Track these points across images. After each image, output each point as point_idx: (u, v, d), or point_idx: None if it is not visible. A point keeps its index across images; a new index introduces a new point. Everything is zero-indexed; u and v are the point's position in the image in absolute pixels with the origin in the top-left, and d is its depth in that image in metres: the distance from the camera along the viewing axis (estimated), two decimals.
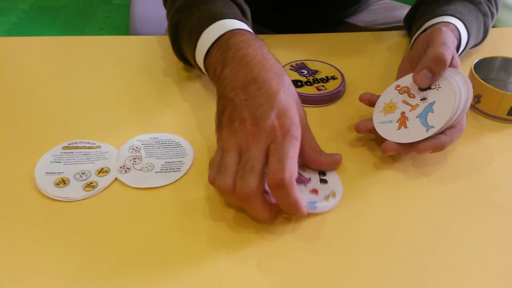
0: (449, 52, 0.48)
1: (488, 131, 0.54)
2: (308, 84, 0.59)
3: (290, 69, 0.61)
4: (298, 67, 0.62)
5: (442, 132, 0.46)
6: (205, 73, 0.52)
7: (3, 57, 0.66)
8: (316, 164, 0.45)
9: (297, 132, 0.40)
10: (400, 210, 0.44)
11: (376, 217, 0.43)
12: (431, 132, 0.45)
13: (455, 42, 0.52)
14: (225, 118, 0.42)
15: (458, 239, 0.41)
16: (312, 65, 0.62)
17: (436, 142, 0.45)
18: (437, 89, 0.48)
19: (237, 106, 0.41)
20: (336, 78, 0.60)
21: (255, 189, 0.38)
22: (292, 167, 0.38)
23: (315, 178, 0.45)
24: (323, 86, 0.58)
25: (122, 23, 2.28)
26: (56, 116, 0.54)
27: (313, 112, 0.56)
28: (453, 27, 0.55)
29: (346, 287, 0.37)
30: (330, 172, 0.46)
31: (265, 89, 0.41)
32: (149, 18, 1.37)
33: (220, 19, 0.50)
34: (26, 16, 2.36)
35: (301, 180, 0.45)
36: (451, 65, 0.49)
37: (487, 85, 0.54)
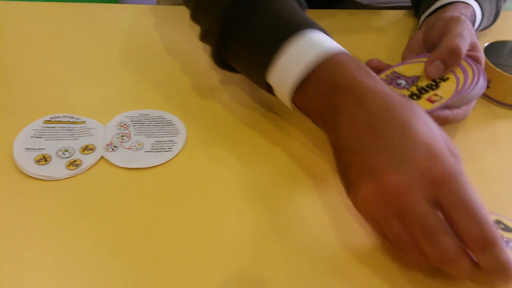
0: (465, 44, 0.45)
1: (497, 118, 0.51)
2: None
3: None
4: None
5: (447, 107, 0.43)
6: (289, 103, 0.40)
7: None
8: None
9: (459, 169, 0.30)
10: None
11: None
12: (437, 103, 0.42)
13: (473, 33, 0.48)
14: (354, 175, 0.33)
15: None
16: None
17: (438, 114, 0.42)
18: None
19: (366, 156, 0.32)
20: None
21: (454, 248, 0.29)
22: (488, 218, 0.29)
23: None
24: None
25: None
26: (38, 88, 0.50)
27: None
28: (471, 11, 0.52)
29: None
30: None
31: (397, 125, 0.32)
32: None
33: (304, 29, 0.38)
34: None
35: None
36: (473, 58, 0.46)
37: (498, 70, 0.51)
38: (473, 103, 0.46)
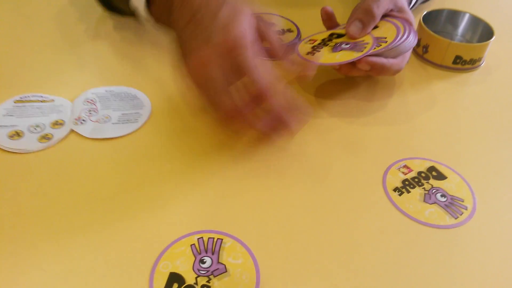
0: (378, 5, 0.50)
1: (434, 79, 0.57)
2: None
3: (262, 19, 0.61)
4: None
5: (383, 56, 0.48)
6: (145, 16, 0.51)
7: None
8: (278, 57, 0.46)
9: (243, 41, 0.40)
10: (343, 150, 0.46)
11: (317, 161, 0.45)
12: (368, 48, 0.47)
13: (399, 3, 0.52)
14: (184, 53, 0.42)
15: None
16: (269, 19, 0.63)
17: (376, 60, 0.47)
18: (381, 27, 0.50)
19: (188, 40, 0.42)
20: (292, 31, 0.61)
21: (232, 106, 0.40)
22: (263, 74, 0.40)
23: None
24: (280, 38, 0.59)
25: None
26: (5, 70, 0.53)
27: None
28: None
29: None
30: None
31: (208, 12, 0.41)
32: None
33: None
34: None
35: None
36: (404, 19, 0.51)
37: (434, 35, 0.56)
38: (407, 56, 0.50)
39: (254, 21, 0.43)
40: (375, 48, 0.46)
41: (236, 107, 0.40)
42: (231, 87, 0.41)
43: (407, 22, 0.49)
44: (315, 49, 0.50)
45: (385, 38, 0.48)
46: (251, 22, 0.42)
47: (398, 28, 0.48)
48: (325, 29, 0.55)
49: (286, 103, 0.41)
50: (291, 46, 0.58)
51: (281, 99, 0.41)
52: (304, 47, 0.51)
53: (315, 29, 0.63)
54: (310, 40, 0.52)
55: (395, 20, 0.50)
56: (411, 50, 0.51)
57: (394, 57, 0.48)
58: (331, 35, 0.52)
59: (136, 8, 0.51)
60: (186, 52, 0.42)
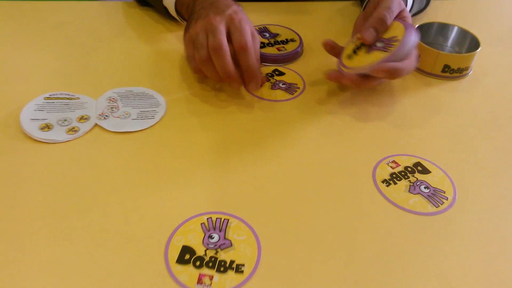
0: (391, 15, 0.55)
1: (425, 86, 0.62)
2: (270, 45, 0.65)
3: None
4: (261, 31, 0.68)
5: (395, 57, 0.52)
6: (174, 11, 0.65)
7: None
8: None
9: (247, 21, 0.54)
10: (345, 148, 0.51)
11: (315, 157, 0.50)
12: (385, 56, 0.51)
13: (401, 6, 0.58)
14: (193, 21, 0.55)
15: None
16: (273, 29, 0.69)
17: (391, 65, 0.51)
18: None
19: (202, 12, 0.54)
20: (295, 41, 0.66)
21: (223, 41, 0.50)
22: (248, 36, 0.52)
23: None
24: (283, 47, 0.65)
25: None
26: (36, 70, 0.58)
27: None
28: None
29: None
30: None
31: (225, 4, 0.55)
32: None
33: None
34: None
35: None
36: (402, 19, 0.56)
37: (425, 45, 0.61)
38: (414, 54, 0.55)
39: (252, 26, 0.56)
40: (390, 48, 0.52)
41: (208, 54, 0.51)
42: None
43: (404, 20, 0.55)
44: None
45: (396, 36, 0.53)
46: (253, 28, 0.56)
47: (404, 25, 0.53)
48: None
49: (256, 60, 0.53)
50: (295, 55, 0.64)
51: (253, 56, 0.53)
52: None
53: (317, 39, 0.69)
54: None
55: (398, 23, 0.55)
56: (416, 48, 0.55)
57: (405, 55, 0.52)
58: (274, 71, 0.61)
59: (167, 5, 0.65)
60: (199, 18, 0.54)
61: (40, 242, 0.39)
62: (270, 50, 0.64)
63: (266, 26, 0.69)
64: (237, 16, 0.53)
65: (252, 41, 0.54)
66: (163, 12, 0.68)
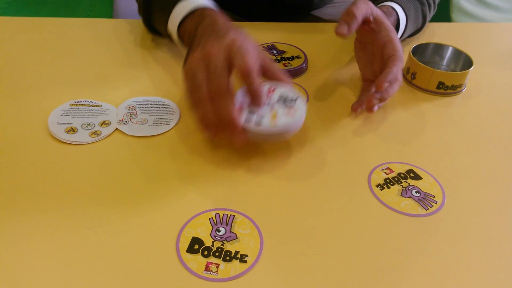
0: (356, 7, 0.59)
1: (420, 101, 0.66)
2: (277, 61, 0.70)
3: (262, 49, 0.72)
4: (269, 48, 0.74)
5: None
6: (176, 39, 0.62)
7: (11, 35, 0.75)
8: (271, 73, 0.53)
9: (251, 43, 0.51)
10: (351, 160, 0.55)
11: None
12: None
13: (372, 7, 0.61)
14: (193, 48, 0.53)
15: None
16: (280, 47, 0.74)
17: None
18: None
19: (202, 39, 0.52)
20: (300, 57, 0.71)
21: (225, 85, 0.47)
22: (253, 61, 0.48)
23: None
24: (289, 63, 0.70)
25: (106, 16, 2.35)
26: (63, 79, 0.64)
27: None
28: (391, 10, 0.67)
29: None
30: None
31: (225, 29, 0.52)
32: (132, 11, 1.46)
33: None
34: (10, 8, 2.41)
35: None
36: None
37: (420, 63, 0.66)
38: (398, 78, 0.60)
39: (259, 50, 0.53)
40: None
41: (207, 121, 0.49)
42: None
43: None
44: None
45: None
46: (257, 47, 0.53)
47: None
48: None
49: (259, 88, 0.50)
50: (299, 70, 0.69)
51: (256, 81, 0.49)
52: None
53: (322, 55, 0.74)
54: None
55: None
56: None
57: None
58: None
59: (171, 32, 0.63)
60: (198, 44, 0.51)
61: (63, 231, 0.44)
62: (277, 66, 0.69)
63: (274, 44, 0.75)
64: (238, 40, 0.50)
65: (263, 59, 0.52)
66: (169, 38, 0.66)
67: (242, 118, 0.49)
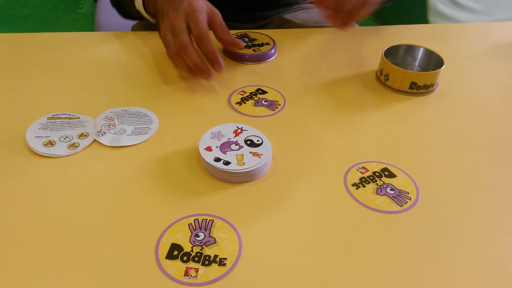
0: None
1: (394, 101, 0.68)
2: (247, 47, 0.77)
3: (235, 37, 0.76)
4: (242, 36, 0.81)
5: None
6: (145, 14, 0.76)
7: None
8: (221, 40, 0.67)
9: (201, 10, 0.63)
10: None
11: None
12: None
13: None
14: (160, 21, 0.66)
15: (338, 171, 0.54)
16: (252, 35, 0.81)
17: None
18: None
19: (164, 10, 0.65)
20: (269, 44, 0.78)
21: (188, 40, 0.62)
22: (204, 26, 0.62)
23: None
24: (258, 49, 0.76)
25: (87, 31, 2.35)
26: (41, 93, 0.64)
27: (251, 68, 0.74)
28: None
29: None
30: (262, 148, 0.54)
31: None
32: (114, 26, 1.47)
33: None
34: None
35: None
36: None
37: (392, 65, 0.68)
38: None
39: (208, 6, 0.66)
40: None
41: (177, 50, 0.63)
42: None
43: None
44: (242, 100, 0.66)
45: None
46: (206, 3, 0.66)
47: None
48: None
49: (212, 49, 0.63)
50: (268, 55, 0.76)
51: (211, 43, 0.63)
52: (235, 97, 0.66)
53: (290, 42, 0.75)
54: (241, 91, 0.68)
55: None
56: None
57: None
58: (257, 90, 0.68)
59: (139, 10, 0.75)
60: (163, 16, 0.65)
61: (43, 242, 0.44)
62: (247, 51, 0.75)
63: (247, 33, 0.82)
64: (191, 8, 0.63)
65: (213, 18, 0.65)
66: (140, 16, 0.78)
67: (211, 158, 0.52)
